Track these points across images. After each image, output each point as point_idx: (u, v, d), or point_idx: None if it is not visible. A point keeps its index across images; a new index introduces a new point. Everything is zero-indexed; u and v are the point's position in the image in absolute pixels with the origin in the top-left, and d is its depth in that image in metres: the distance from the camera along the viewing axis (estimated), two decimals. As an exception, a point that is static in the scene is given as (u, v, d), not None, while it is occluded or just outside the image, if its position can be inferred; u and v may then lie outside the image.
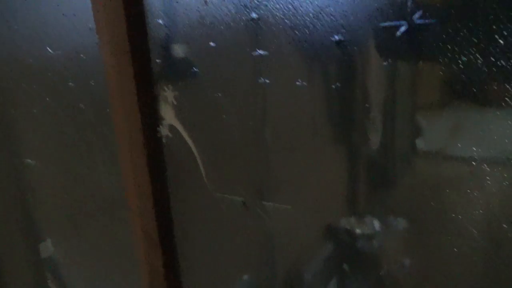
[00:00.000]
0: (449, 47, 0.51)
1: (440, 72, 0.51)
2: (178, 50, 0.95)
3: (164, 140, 1.05)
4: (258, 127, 0.90)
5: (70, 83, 1.18)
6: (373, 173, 0.62)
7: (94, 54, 1.10)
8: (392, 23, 0.62)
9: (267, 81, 0.84)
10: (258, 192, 0.95)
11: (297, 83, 0.81)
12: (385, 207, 0.60)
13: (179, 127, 1.01)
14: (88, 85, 1.14)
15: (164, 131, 1.04)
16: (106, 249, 1.35)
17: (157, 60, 0.99)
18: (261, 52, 0.83)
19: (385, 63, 0.67)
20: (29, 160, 1.38)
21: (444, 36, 0.52)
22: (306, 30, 0.77)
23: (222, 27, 0.86)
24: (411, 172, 0.56)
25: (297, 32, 0.78)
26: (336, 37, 0.73)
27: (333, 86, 0.75)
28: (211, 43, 0.89)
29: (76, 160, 1.28)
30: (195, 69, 0.93)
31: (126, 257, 1.25)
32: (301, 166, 0.86)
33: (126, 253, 1.23)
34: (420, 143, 0.54)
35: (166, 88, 0.99)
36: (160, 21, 0.94)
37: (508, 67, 0.45)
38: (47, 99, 1.26)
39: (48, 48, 1.18)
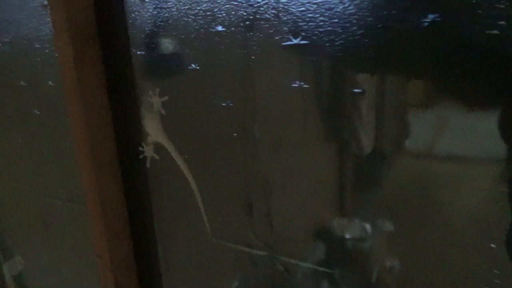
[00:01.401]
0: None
1: (429, 70, 0.48)
2: (169, 38, 0.66)
3: (148, 164, 0.75)
4: (289, 152, 0.62)
5: (22, 82, 0.88)
6: (365, 175, 0.57)
7: (53, 44, 0.80)
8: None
9: (306, 86, 0.55)
10: (281, 244, 0.66)
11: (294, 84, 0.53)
12: (376, 209, 0.56)
13: (169, 147, 0.71)
14: (44, 85, 0.84)
15: (148, 151, 0.75)
16: (76, 260, 1.05)
17: (139, 52, 0.69)
18: (298, 41, 0.54)
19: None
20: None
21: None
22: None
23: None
24: (401, 173, 0.53)
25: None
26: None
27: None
28: (218, 27, 0.60)
29: (32, 181, 0.98)
30: (193, 66, 0.64)
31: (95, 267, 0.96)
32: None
33: (92, 280, 0.94)
34: (411, 144, 0.51)
35: (151, 92, 0.70)
36: (143, -5, 0.65)
37: (493, 67, 0.44)
38: (-7, 102, 0.95)
39: (-9, 34, 0.88)
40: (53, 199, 0.94)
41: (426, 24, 0.45)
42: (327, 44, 0.52)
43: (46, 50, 0.81)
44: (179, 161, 0.71)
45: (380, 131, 0.54)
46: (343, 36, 0.51)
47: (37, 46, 0.82)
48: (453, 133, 0.48)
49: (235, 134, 0.64)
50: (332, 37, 0.52)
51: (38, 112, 0.88)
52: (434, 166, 0.51)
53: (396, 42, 0.48)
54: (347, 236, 0.61)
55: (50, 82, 0.83)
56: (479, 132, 0.47)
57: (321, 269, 0.64)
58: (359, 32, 0.50)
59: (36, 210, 1.02)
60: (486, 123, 0.46)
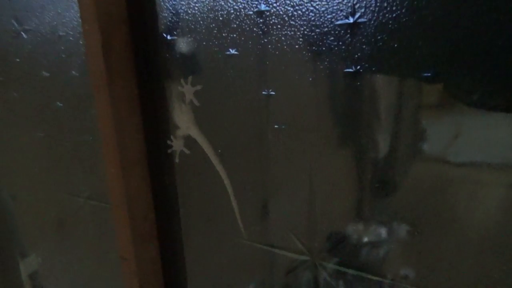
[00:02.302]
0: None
1: (445, 75, 0.45)
2: (205, 21, 0.60)
3: (177, 160, 0.70)
4: (332, 148, 0.55)
5: (44, 73, 0.83)
6: (381, 179, 0.54)
7: (78, 31, 0.75)
8: None
9: (361, 71, 0.49)
10: (323, 247, 0.59)
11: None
12: (392, 213, 0.54)
13: (201, 140, 0.66)
14: (68, 75, 0.79)
15: (177, 145, 0.69)
16: (94, 261, 1.01)
17: (170, 37, 0.64)
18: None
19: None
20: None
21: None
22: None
23: (280, -20, 0.51)
24: (417, 178, 0.51)
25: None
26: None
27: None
28: (262, 6, 0.54)
29: (53, 178, 0.94)
30: (232, 51, 0.58)
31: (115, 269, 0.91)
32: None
33: (115, 265, 0.89)
34: (427, 149, 0.49)
35: (183, 81, 0.64)
36: (177, -27, 0.60)
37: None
38: (15, 94, 0.91)
39: (14, 23, 0.84)
40: (73, 196, 0.89)
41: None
42: (390, 22, 0.46)
43: (71, 38, 0.76)
44: (212, 156, 0.65)
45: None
46: (406, 12, 0.45)
47: (61, 33, 0.77)
48: (472, 138, 0.47)
49: (276, 126, 0.58)
50: (395, 14, 0.45)
51: (61, 104, 0.84)
52: (451, 171, 0.49)
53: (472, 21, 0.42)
54: (364, 240, 0.57)
55: (74, 72, 0.79)
56: (498, 137, 0.45)
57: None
58: (427, 8, 0.43)
59: (55, 207, 0.98)
60: (504, 128, 0.44)
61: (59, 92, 0.83)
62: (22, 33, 0.83)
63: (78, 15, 0.69)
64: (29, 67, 0.85)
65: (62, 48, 0.78)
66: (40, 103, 0.87)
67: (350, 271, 0.58)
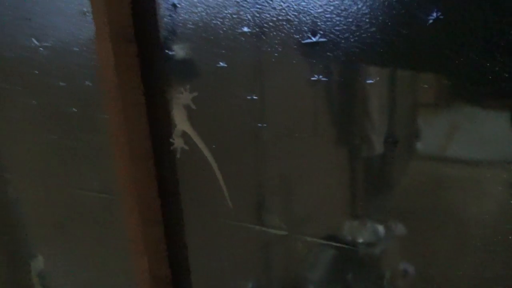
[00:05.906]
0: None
1: (439, 73, 0.51)
2: (199, 39, 0.73)
3: (178, 155, 0.82)
4: (304, 142, 0.68)
5: (61, 83, 0.96)
6: (375, 177, 0.60)
7: (91, 46, 0.88)
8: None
9: (324, 79, 0.62)
10: (297, 223, 0.72)
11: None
12: (387, 212, 0.59)
13: (196, 138, 0.78)
14: (82, 85, 0.92)
15: (178, 142, 0.82)
16: (99, 262, 1.12)
17: (170, 52, 0.76)
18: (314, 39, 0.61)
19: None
20: (7, 175, 1.15)
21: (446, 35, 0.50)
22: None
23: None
24: (412, 175, 0.55)
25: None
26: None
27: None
28: (245, 28, 0.67)
29: (65, 176, 1.06)
30: (222, 64, 0.71)
31: (120, 270, 1.03)
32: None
33: (120, 265, 1.02)
34: (420, 146, 0.53)
35: (182, 89, 0.77)
36: (175, 0, 0.72)
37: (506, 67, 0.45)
38: (34, 102, 1.03)
39: (33, 39, 0.96)
40: (83, 191, 1.02)
41: (431, 21, 0.51)
42: (342, 41, 0.59)
43: (84, 53, 0.89)
44: (205, 150, 0.77)
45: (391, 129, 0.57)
46: (357, 33, 0.57)
47: (76, 49, 0.90)
48: (466, 135, 0.50)
49: (259, 125, 0.70)
50: (347, 34, 0.58)
51: (76, 110, 0.96)
52: (446, 168, 0.52)
53: (405, 38, 0.54)
54: (359, 238, 0.63)
55: (87, 82, 0.91)
56: (492, 135, 0.48)
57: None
58: (372, 29, 0.56)
59: (67, 203, 1.10)
60: (499, 125, 0.47)
61: (75, 100, 0.95)
62: (41, 49, 0.96)
63: (89, 34, 0.83)
64: (46, 78, 0.98)
65: (76, 61, 0.91)
66: (57, 111, 0.99)
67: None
